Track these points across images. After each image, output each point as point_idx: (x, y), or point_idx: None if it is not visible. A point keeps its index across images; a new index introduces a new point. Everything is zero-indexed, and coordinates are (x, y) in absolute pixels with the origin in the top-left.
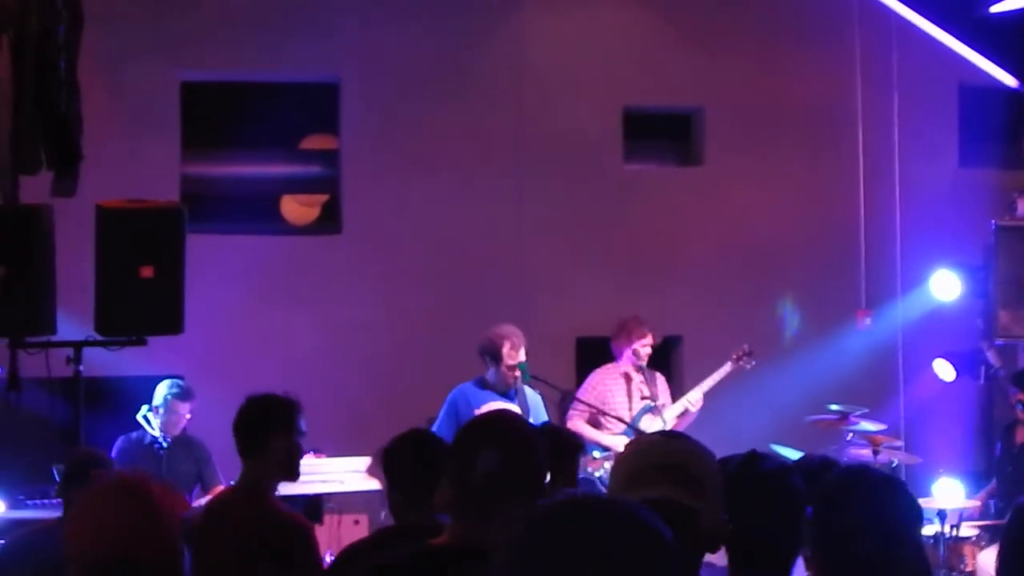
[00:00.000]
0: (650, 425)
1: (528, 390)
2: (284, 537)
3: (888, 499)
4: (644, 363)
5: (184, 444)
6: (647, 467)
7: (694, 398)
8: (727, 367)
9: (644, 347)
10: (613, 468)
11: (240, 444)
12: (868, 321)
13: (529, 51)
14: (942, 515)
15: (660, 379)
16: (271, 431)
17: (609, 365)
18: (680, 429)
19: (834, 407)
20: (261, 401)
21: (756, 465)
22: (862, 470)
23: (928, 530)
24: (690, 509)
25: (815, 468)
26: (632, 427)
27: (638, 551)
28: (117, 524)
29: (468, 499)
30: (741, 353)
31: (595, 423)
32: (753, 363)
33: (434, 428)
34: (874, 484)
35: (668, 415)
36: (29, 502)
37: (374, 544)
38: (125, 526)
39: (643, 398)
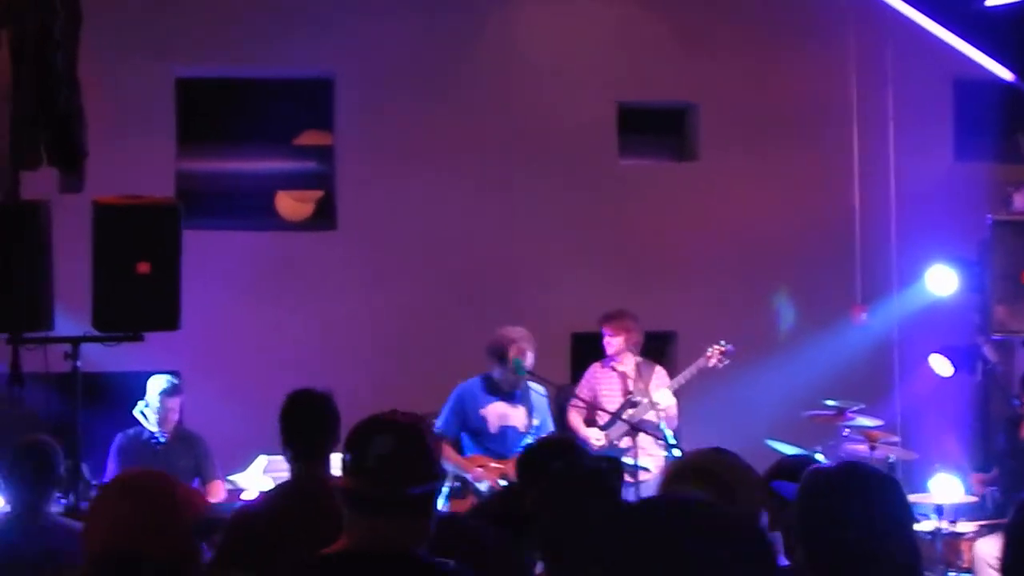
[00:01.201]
0: (634, 417)
1: (535, 391)
2: None
3: (876, 492)
4: (617, 355)
5: (183, 439)
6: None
7: (660, 398)
8: (698, 365)
9: (605, 339)
10: (665, 467)
11: (308, 444)
12: (864, 316)
13: (522, 46)
14: (939, 510)
15: (658, 372)
16: (337, 427)
17: (602, 359)
18: (668, 424)
19: (830, 403)
20: (324, 400)
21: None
22: (852, 463)
23: (925, 525)
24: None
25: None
26: (617, 417)
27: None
28: (131, 520)
29: (362, 485)
30: (717, 352)
31: (590, 417)
32: (727, 362)
33: (439, 421)
34: (863, 476)
35: (648, 412)
36: None
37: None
38: (139, 522)
39: (626, 392)
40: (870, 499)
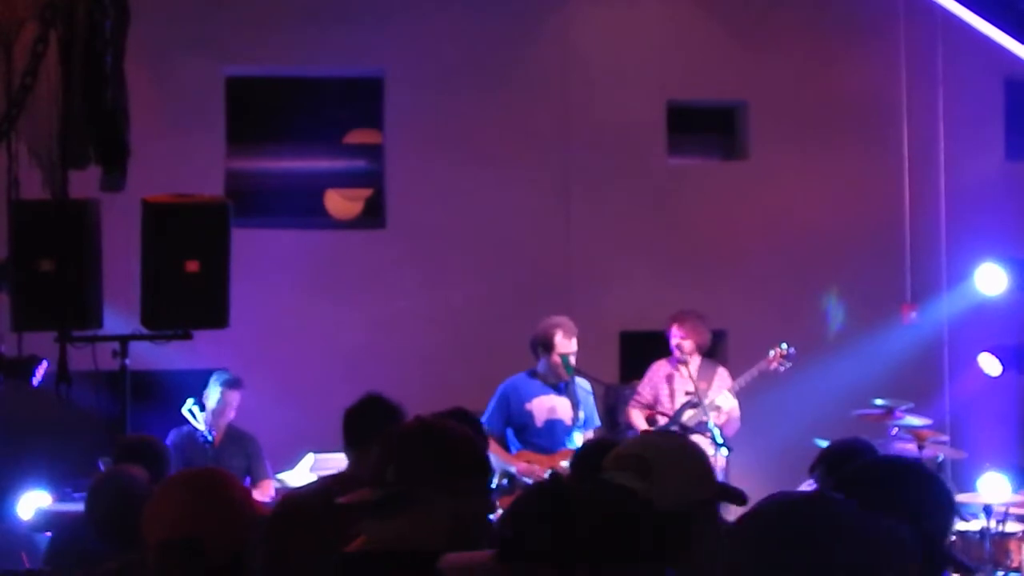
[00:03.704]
0: (693, 419)
1: (580, 386)
2: None
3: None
4: (685, 356)
5: (235, 438)
6: (609, 458)
7: (722, 401)
8: (759, 367)
9: (674, 340)
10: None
11: (363, 435)
12: (913, 315)
13: (574, 43)
14: (988, 510)
15: (720, 372)
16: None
17: (666, 358)
18: (725, 427)
19: (879, 402)
20: (388, 403)
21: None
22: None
23: (974, 525)
24: (631, 491)
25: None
26: (675, 421)
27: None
28: (194, 510)
29: (381, 494)
30: (779, 354)
31: (651, 416)
32: (788, 365)
33: (484, 419)
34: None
35: (710, 413)
36: (76, 495)
37: None
38: (201, 512)
39: (687, 393)
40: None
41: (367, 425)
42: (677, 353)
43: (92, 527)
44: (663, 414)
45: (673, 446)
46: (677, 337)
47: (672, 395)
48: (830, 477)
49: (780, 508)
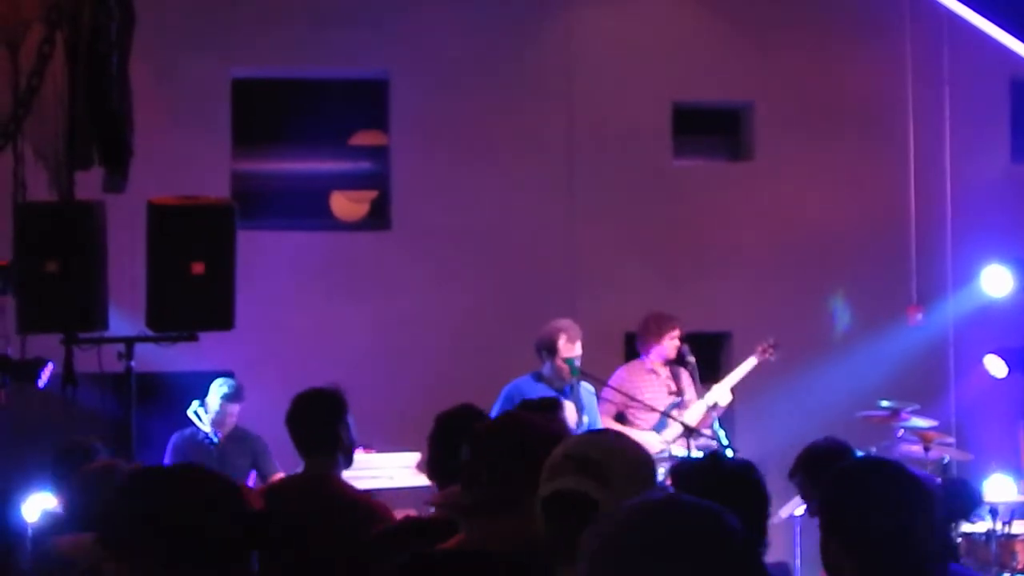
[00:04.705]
0: (691, 419)
1: (585, 389)
2: (365, 518)
3: (899, 481)
4: (673, 357)
5: (238, 439)
6: (562, 456)
7: (720, 393)
8: (752, 361)
9: (673, 341)
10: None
11: (304, 438)
12: (919, 317)
13: (579, 45)
14: (994, 511)
15: (684, 373)
16: (338, 423)
17: (634, 362)
18: (710, 422)
19: (885, 403)
20: (321, 395)
21: (718, 465)
22: (875, 458)
23: (980, 527)
24: (590, 499)
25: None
26: (666, 415)
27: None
28: None
29: (475, 495)
30: (767, 346)
31: (621, 419)
32: (776, 356)
33: None
34: (885, 466)
35: (694, 410)
36: None
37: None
38: None
39: (670, 393)
40: (893, 487)
41: (311, 424)
42: (671, 354)
43: (79, 523)
44: (654, 408)
45: (629, 456)
46: (677, 339)
47: (655, 397)
48: (810, 481)
49: (632, 512)
